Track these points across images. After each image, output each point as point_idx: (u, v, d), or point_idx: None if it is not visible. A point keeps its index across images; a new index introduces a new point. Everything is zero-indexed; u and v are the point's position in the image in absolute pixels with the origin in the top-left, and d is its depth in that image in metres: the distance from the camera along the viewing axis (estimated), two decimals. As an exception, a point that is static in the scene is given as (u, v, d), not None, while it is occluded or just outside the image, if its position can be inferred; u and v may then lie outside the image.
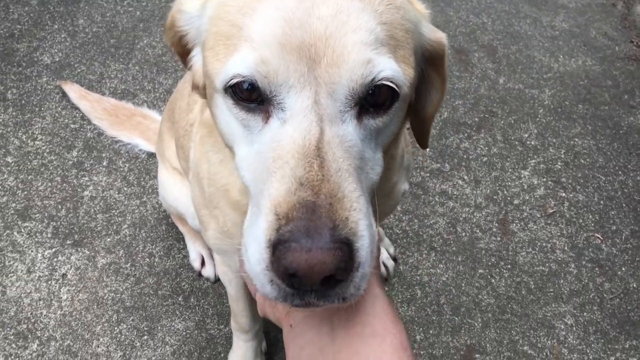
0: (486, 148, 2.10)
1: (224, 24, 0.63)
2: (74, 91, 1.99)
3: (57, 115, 2.02)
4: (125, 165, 1.91)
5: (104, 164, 1.91)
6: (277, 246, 0.53)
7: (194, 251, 1.69)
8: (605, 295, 1.77)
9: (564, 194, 2.00)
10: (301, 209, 0.53)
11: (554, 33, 2.58)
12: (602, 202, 2.00)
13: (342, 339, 0.60)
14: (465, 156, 2.07)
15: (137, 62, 2.20)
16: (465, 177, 2.01)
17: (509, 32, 2.54)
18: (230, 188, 0.85)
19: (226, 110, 0.65)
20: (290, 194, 0.54)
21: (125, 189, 1.86)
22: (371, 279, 0.61)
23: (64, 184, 1.86)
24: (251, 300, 1.36)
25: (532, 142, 2.14)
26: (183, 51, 0.77)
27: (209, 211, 0.97)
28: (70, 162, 1.91)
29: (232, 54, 0.60)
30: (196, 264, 1.69)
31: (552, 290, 1.77)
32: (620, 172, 2.09)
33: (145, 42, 2.27)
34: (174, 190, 1.46)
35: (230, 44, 0.61)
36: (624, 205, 2.00)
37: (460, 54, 2.41)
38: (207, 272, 1.68)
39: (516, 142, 2.13)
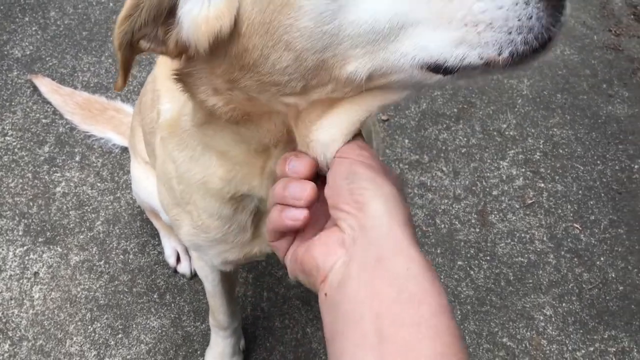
0: (465, 139, 2.09)
1: None
2: (45, 85, 1.94)
3: (28, 110, 1.97)
4: (98, 161, 1.87)
5: (77, 159, 1.87)
6: None
7: (169, 247, 1.66)
8: (584, 286, 1.77)
9: (542, 185, 2.00)
10: None
11: (532, 23, 2.57)
12: (580, 192, 2.00)
13: None
14: (444, 147, 2.06)
15: (110, 54, 2.15)
16: (444, 169, 2.00)
17: (488, 21, 2.53)
18: (209, 179, 0.82)
19: None
20: None
21: (99, 184, 1.83)
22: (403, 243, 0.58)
23: (36, 180, 1.82)
24: (229, 297, 1.34)
25: (511, 133, 2.13)
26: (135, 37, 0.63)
27: (181, 209, 0.95)
28: (42, 158, 1.86)
29: None
30: (171, 260, 1.66)
31: (531, 281, 1.77)
32: (598, 162, 2.09)
33: (118, 34, 2.22)
34: (147, 185, 1.43)
35: None
36: (602, 195, 2.00)
37: (439, 45, 2.39)
38: (183, 268, 1.65)
39: (495, 133, 2.12)
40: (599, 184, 2.02)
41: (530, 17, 0.51)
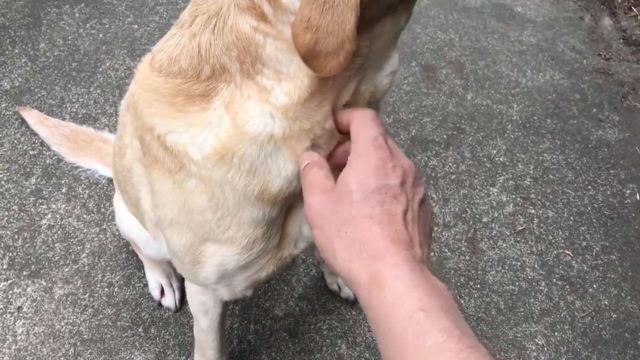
0: (454, 165, 2.08)
1: None
2: (32, 117, 1.94)
3: (15, 141, 1.97)
4: (85, 192, 1.86)
5: (63, 190, 1.86)
6: None
7: (153, 280, 1.64)
8: (576, 314, 1.75)
9: (533, 211, 1.98)
10: None
11: (521, 48, 2.58)
12: (572, 217, 1.98)
13: None
14: (433, 174, 2.05)
15: (99, 85, 2.16)
16: (434, 196, 1.98)
17: (477, 47, 2.54)
18: (270, 185, 0.82)
19: None
20: None
21: (85, 216, 1.81)
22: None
23: (22, 213, 1.80)
24: (222, 331, 1.31)
25: (501, 159, 2.12)
26: None
27: (214, 241, 0.92)
28: (28, 190, 1.85)
29: None
30: (155, 293, 1.64)
31: (522, 310, 1.74)
32: (589, 187, 2.07)
33: (107, 64, 2.23)
34: (128, 220, 1.42)
35: None
36: (594, 220, 1.98)
37: (427, 71, 2.39)
38: (167, 301, 1.63)
39: (485, 159, 2.11)
40: (590, 210, 2.01)
41: None
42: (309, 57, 0.66)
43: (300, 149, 0.80)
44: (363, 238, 0.67)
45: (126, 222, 1.43)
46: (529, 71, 2.48)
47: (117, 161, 1.10)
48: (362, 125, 0.74)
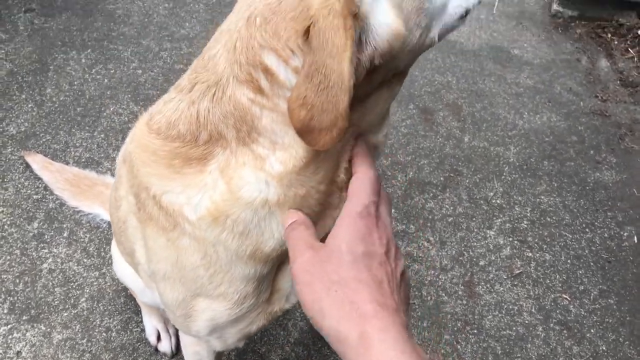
0: (451, 208, 2.10)
1: None
2: (36, 162, 1.99)
3: (19, 186, 2.01)
4: (86, 236, 1.89)
5: (65, 235, 1.89)
6: None
7: (150, 326, 1.65)
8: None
9: (530, 254, 1.99)
10: None
11: (518, 90, 2.62)
12: (569, 261, 1.98)
13: None
14: (430, 217, 2.06)
15: (102, 129, 2.21)
16: (431, 239, 2.00)
17: (474, 90, 2.58)
18: (263, 246, 0.84)
19: None
20: None
21: (85, 260, 1.84)
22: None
23: (23, 257, 1.83)
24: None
25: (498, 201, 2.14)
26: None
27: (205, 296, 0.94)
28: (31, 234, 1.89)
29: None
30: (152, 339, 1.65)
31: (519, 355, 1.73)
32: (587, 230, 2.08)
33: (111, 109, 2.29)
34: (125, 267, 1.44)
35: None
36: (591, 263, 1.98)
37: (425, 114, 2.43)
38: (164, 347, 1.64)
39: (482, 201, 2.13)
40: (587, 253, 2.01)
41: None
42: (304, 131, 0.71)
43: None
44: (353, 298, 0.70)
45: (123, 269, 1.45)
46: (526, 113, 2.51)
47: (113, 212, 1.13)
48: (359, 190, 0.78)
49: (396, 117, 2.38)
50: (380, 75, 0.78)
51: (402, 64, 0.81)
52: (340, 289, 0.70)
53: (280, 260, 0.92)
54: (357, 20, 0.69)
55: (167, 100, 0.88)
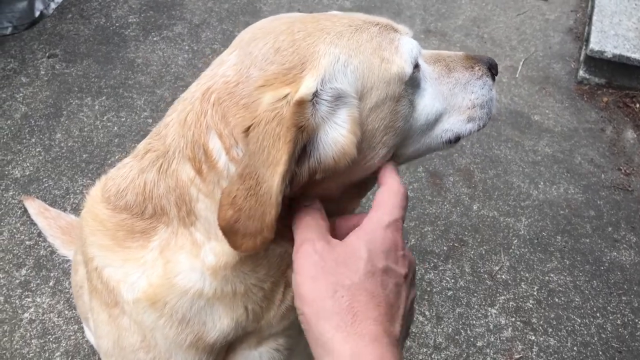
0: (452, 280, 1.99)
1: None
2: (33, 207, 1.99)
3: (14, 230, 2.01)
4: (70, 287, 1.86)
5: (51, 284, 1.87)
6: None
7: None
8: None
9: (533, 337, 1.85)
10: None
11: (535, 158, 2.51)
12: (575, 348, 1.84)
13: None
14: (429, 289, 1.96)
15: (104, 178, 2.20)
16: (427, 313, 1.89)
17: (488, 155, 2.49)
18: (205, 335, 0.80)
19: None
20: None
21: (66, 312, 1.80)
22: None
23: (6, 305, 1.81)
24: None
25: (503, 276, 2.02)
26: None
27: None
28: (17, 281, 1.87)
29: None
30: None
31: None
32: (598, 314, 1.94)
33: (117, 157, 2.29)
34: (91, 326, 1.40)
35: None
36: (600, 353, 1.83)
37: (434, 178, 2.35)
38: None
39: (485, 276, 2.01)
40: (597, 340, 1.86)
41: (492, 98, 0.87)
42: (227, 231, 0.67)
43: (237, 309, 0.79)
44: (358, 311, 0.64)
45: (88, 329, 1.41)
46: (542, 183, 2.40)
47: (72, 275, 1.11)
48: (389, 201, 0.72)
49: (403, 180, 2.31)
50: (332, 184, 0.74)
51: (356, 178, 0.76)
52: (348, 296, 0.64)
53: (227, 347, 0.86)
54: (304, 132, 0.65)
55: (121, 165, 0.86)
